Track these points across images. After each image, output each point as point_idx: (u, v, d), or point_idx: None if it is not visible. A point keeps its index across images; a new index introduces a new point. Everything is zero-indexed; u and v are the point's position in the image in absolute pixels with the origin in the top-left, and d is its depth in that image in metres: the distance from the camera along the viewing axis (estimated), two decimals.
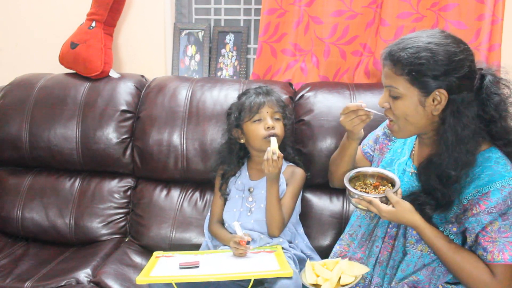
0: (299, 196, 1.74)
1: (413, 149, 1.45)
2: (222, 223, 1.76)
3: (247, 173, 1.76)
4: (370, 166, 1.57)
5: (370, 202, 1.31)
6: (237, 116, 1.71)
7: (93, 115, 2.03)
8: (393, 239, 1.41)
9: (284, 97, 1.91)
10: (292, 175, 1.72)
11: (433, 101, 1.25)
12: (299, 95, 1.99)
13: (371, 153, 1.60)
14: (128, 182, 2.07)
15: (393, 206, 1.29)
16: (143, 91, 2.12)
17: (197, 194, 1.99)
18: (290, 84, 2.09)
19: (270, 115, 1.68)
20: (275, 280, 1.40)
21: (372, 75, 2.10)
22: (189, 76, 2.28)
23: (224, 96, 1.98)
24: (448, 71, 1.22)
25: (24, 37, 2.42)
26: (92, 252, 1.87)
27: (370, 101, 1.54)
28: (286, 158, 1.74)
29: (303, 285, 1.42)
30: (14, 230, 2.04)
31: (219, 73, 2.33)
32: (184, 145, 1.96)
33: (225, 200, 1.76)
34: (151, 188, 2.02)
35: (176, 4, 2.37)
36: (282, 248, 1.61)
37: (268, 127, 1.65)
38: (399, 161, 1.46)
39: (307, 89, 1.98)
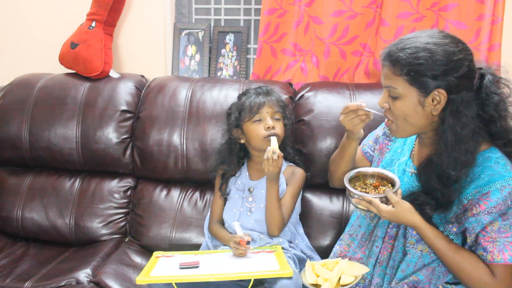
0: (299, 196, 1.74)
1: (413, 149, 1.45)
2: (222, 223, 1.76)
3: (247, 173, 1.76)
4: (370, 166, 1.57)
5: (370, 202, 1.31)
6: (237, 116, 1.71)
7: (93, 115, 2.03)
8: (393, 239, 1.41)
9: (284, 97, 1.91)
10: (292, 175, 1.72)
11: (432, 101, 1.25)
12: (299, 95, 1.99)
13: (371, 153, 1.60)
14: (128, 182, 2.07)
15: (393, 206, 1.29)
16: (143, 91, 2.12)
17: (197, 194, 1.99)
18: (290, 84, 2.09)
19: (270, 115, 1.68)
20: (275, 280, 1.40)
21: (372, 75, 2.10)
22: (189, 76, 2.28)
23: (224, 96, 1.98)
24: (447, 71, 1.22)
25: (24, 37, 2.42)
26: (92, 252, 1.87)
27: (370, 101, 1.54)
28: (286, 158, 1.74)
29: (303, 285, 1.42)
30: (14, 230, 2.04)
31: (219, 73, 2.33)
32: (184, 145, 1.96)
33: (225, 200, 1.76)
34: (151, 188, 2.02)
35: (176, 4, 2.37)
36: (282, 248, 1.61)
37: (268, 127, 1.65)
38: (399, 161, 1.46)
39: (307, 89, 1.98)
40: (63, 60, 2.22)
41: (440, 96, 1.23)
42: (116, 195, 2.03)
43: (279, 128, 1.67)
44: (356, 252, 1.48)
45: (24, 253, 1.93)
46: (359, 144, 1.59)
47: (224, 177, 1.77)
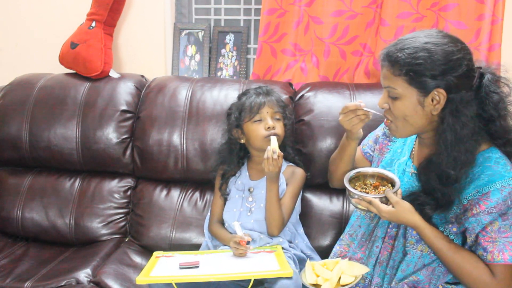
0: (299, 196, 1.74)
1: (413, 149, 1.45)
2: (222, 223, 1.76)
3: (247, 173, 1.76)
4: (370, 166, 1.57)
5: (370, 202, 1.31)
6: (237, 116, 1.71)
7: (93, 115, 2.03)
8: (393, 239, 1.41)
9: (284, 97, 1.91)
10: (292, 175, 1.72)
11: (432, 100, 1.25)
12: (299, 95, 1.99)
13: (371, 153, 1.60)
14: (128, 182, 2.07)
15: (393, 206, 1.29)
16: (143, 91, 2.12)
17: (197, 194, 1.99)
18: (290, 84, 2.09)
19: (271, 115, 1.68)
20: (275, 280, 1.40)
21: (372, 75, 2.10)
22: (189, 76, 2.28)
23: (224, 96, 1.98)
24: (446, 71, 1.22)
25: (24, 37, 2.42)
26: (92, 252, 1.87)
27: (370, 101, 1.54)
28: (286, 158, 1.74)
29: (303, 285, 1.42)
30: (14, 230, 2.04)
31: (219, 73, 2.33)
32: (184, 145, 1.96)
33: (225, 200, 1.76)
34: (151, 188, 2.02)
35: (176, 4, 2.37)
36: (282, 248, 1.61)
37: (268, 127, 1.65)
38: (399, 161, 1.46)
39: (307, 89, 1.98)
40: (63, 60, 2.22)
41: (439, 95, 1.23)
42: (116, 195, 2.03)
43: (279, 128, 1.67)
44: (356, 252, 1.48)
45: (24, 253, 1.93)
46: (359, 144, 1.59)
47: (224, 177, 1.77)
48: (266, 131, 1.65)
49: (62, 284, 1.67)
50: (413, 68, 1.23)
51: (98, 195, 2.02)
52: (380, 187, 1.37)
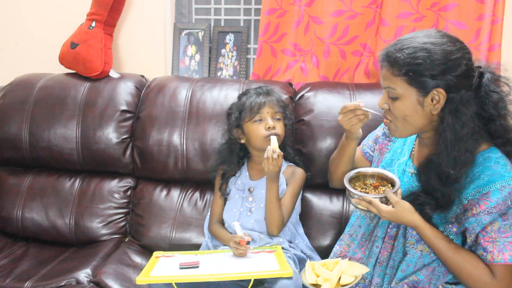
0: (299, 196, 1.74)
1: (413, 150, 1.45)
2: (222, 223, 1.76)
3: (247, 173, 1.76)
4: (370, 166, 1.57)
5: (370, 202, 1.31)
6: (237, 116, 1.71)
7: (93, 115, 2.03)
8: (393, 239, 1.41)
9: (284, 97, 1.91)
10: (292, 175, 1.72)
11: (432, 100, 1.25)
12: (299, 95, 1.99)
13: (370, 153, 1.60)
14: (128, 182, 2.07)
15: (393, 206, 1.29)
16: (143, 91, 2.12)
17: (197, 194, 1.99)
18: (290, 84, 2.09)
19: (271, 115, 1.68)
20: (275, 280, 1.40)
21: (372, 75, 2.10)
22: (189, 76, 2.28)
23: (224, 96, 1.98)
24: (445, 70, 1.22)
25: (24, 37, 2.42)
26: (92, 252, 1.87)
27: (370, 101, 1.55)
28: (286, 158, 1.74)
29: (303, 285, 1.42)
30: (14, 230, 2.04)
31: (219, 73, 2.33)
32: (184, 145, 1.96)
33: (225, 200, 1.76)
34: (151, 188, 2.02)
35: (176, 4, 2.37)
36: (282, 248, 1.61)
37: (268, 127, 1.65)
38: (399, 161, 1.46)
39: (307, 89, 1.98)
40: (63, 60, 2.22)
41: (439, 95, 1.23)
42: (116, 195, 2.03)
43: (279, 128, 1.67)
44: (356, 252, 1.48)
45: (24, 253, 1.93)
46: (359, 144, 1.59)
47: (224, 177, 1.77)
48: (266, 131, 1.65)
49: (62, 284, 1.67)
50: (412, 68, 1.23)
51: (98, 195, 2.02)
52: (380, 187, 1.37)
